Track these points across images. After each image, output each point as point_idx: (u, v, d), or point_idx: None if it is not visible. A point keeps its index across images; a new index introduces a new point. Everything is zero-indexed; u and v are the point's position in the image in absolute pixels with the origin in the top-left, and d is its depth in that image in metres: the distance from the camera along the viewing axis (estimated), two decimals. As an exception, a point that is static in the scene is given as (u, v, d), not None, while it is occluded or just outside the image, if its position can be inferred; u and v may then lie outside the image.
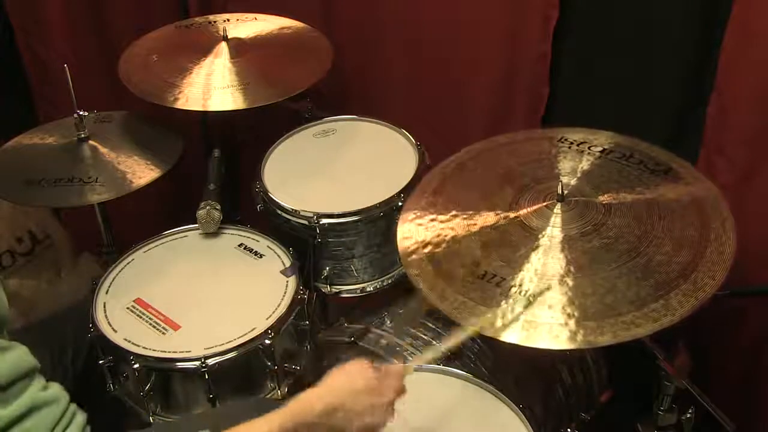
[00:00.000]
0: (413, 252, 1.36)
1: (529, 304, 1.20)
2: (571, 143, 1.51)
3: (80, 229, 2.34)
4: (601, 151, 1.47)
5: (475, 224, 1.36)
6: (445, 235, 1.36)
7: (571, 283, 1.21)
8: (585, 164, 1.44)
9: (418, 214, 1.42)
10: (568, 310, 1.18)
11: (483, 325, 1.21)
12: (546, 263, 1.25)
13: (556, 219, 1.32)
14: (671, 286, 1.17)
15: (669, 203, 1.32)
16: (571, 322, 1.16)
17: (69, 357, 1.72)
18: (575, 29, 1.83)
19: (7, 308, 1.11)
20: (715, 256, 1.21)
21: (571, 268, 1.23)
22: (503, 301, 1.21)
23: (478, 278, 1.26)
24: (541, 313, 1.19)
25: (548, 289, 1.21)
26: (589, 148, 1.48)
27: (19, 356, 1.06)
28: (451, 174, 1.53)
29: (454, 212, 1.41)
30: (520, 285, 1.23)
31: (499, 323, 1.20)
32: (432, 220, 1.40)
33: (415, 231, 1.39)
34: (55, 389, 1.09)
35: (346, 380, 1.18)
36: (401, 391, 1.20)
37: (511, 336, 1.17)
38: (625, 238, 1.27)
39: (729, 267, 1.19)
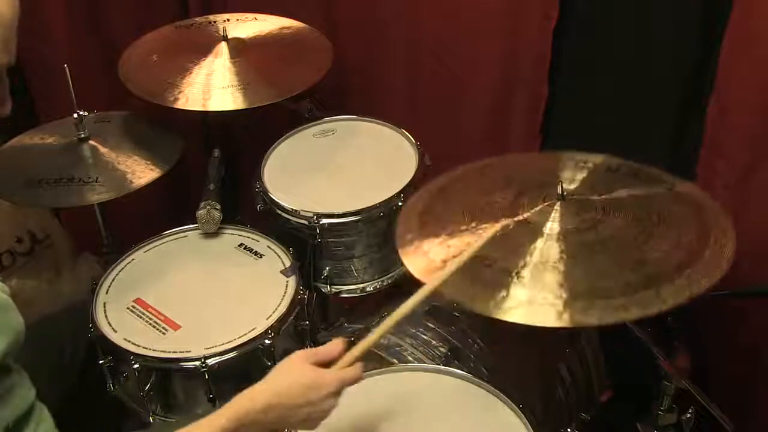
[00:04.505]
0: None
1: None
2: (578, 161, 1.47)
3: (80, 229, 2.34)
4: (606, 168, 1.45)
5: (475, 225, 1.36)
6: (444, 239, 1.35)
7: (562, 268, 1.22)
8: (588, 175, 1.43)
9: (416, 244, 1.38)
10: (557, 292, 1.18)
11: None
12: (542, 251, 1.26)
13: (555, 216, 1.32)
14: (664, 279, 1.17)
15: (670, 208, 1.31)
16: (559, 302, 1.16)
17: (69, 357, 1.72)
18: (575, 29, 1.84)
19: (23, 331, 1.11)
20: (713, 258, 1.19)
21: (565, 256, 1.24)
22: (496, 281, 1.21)
23: (471, 259, 1.25)
24: (533, 292, 1.19)
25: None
26: (594, 165, 1.46)
27: (19, 401, 1.07)
28: (454, 182, 1.51)
29: (454, 216, 1.39)
30: (514, 267, 1.23)
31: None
32: (427, 244, 1.37)
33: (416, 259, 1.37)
34: (43, 426, 1.10)
35: (286, 375, 1.19)
36: (343, 381, 1.20)
37: (499, 314, 1.17)
38: (621, 237, 1.26)
39: (725, 269, 1.18)
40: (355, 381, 1.21)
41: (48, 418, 1.14)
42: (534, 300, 1.18)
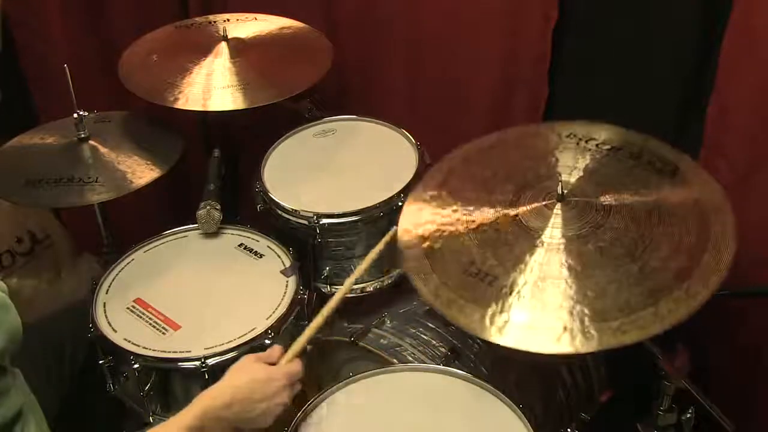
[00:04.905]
0: (412, 246, 1.36)
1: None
2: (580, 139, 1.48)
3: (80, 229, 2.34)
4: (609, 149, 1.45)
5: (474, 221, 1.36)
6: (444, 231, 1.36)
7: (562, 286, 1.21)
8: (590, 162, 1.43)
9: (421, 206, 1.42)
10: (557, 314, 1.17)
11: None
12: (541, 265, 1.25)
13: (555, 220, 1.32)
14: (662, 293, 1.16)
15: (670, 207, 1.31)
16: (559, 326, 1.16)
17: (68, 357, 1.72)
18: (575, 29, 1.83)
19: (20, 332, 1.11)
20: (712, 264, 1.19)
21: (564, 271, 1.23)
22: (493, 301, 1.21)
23: (471, 276, 1.26)
24: (532, 315, 1.19)
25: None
26: (596, 145, 1.46)
27: (12, 402, 1.07)
28: (457, 167, 1.51)
29: (454, 207, 1.40)
30: (512, 285, 1.23)
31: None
32: (434, 213, 1.40)
33: (415, 221, 1.39)
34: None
35: (242, 374, 1.31)
36: (290, 374, 1.33)
37: (496, 337, 1.18)
38: (622, 241, 1.26)
39: (723, 276, 1.18)
40: (298, 373, 1.34)
41: (37, 420, 1.14)
42: (534, 324, 1.18)
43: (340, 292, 1.45)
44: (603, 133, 1.47)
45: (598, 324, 1.15)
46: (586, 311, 1.16)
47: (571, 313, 1.17)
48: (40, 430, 1.17)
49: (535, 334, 1.16)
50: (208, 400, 1.27)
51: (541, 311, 1.18)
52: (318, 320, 1.40)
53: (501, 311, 1.20)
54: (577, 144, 1.46)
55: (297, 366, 1.34)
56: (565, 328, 1.15)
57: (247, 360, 1.34)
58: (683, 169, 1.39)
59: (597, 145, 1.46)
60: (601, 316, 1.15)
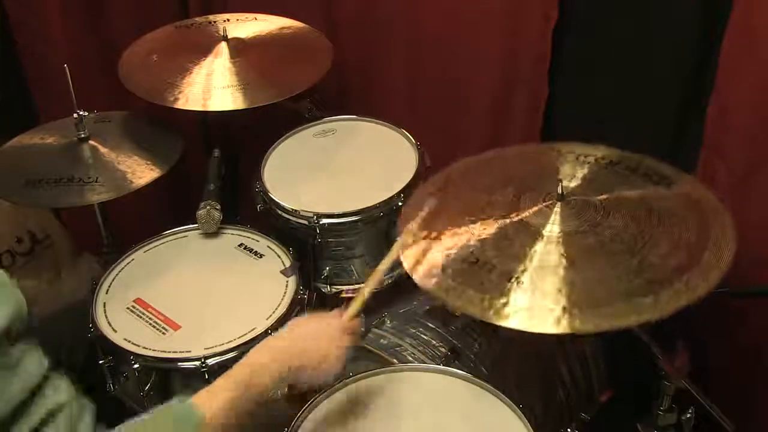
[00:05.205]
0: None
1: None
2: (579, 155, 1.49)
3: (80, 229, 2.34)
4: (607, 163, 1.46)
5: (474, 220, 1.36)
6: (443, 232, 1.36)
7: (562, 273, 1.22)
8: (589, 173, 1.44)
9: (417, 234, 1.40)
10: (556, 298, 1.18)
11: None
12: (540, 255, 1.26)
13: (555, 218, 1.32)
14: (662, 286, 1.17)
15: (670, 208, 1.32)
16: (557, 308, 1.16)
17: (68, 357, 1.72)
18: (575, 29, 1.84)
19: (25, 308, 1.11)
20: (712, 261, 1.19)
21: (563, 260, 1.24)
22: (492, 286, 1.22)
23: (470, 265, 1.26)
24: (531, 299, 1.19)
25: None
26: (594, 160, 1.47)
27: (29, 374, 1.06)
28: (456, 175, 1.52)
29: (454, 208, 1.40)
30: (511, 272, 1.23)
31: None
32: (433, 215, 1.40)
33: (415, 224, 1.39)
34: (62, 393, 1.10)
35: (301, 321, 1.31)
36: (351, 321, 1.30)
37: (495, 320, 1.18)
38: (622, 238, 1.26)
39: (723, 272, 1.18)
40: (359, 327, 1.32)
41: (67, 384, 1.13)
42: (533, 306, 1.18)
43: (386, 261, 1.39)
44: (600, 153, 1.48)
45: (596, 308, 1.15)
46: (585, 296, 1.17)
47: (570, 297, 1.17)
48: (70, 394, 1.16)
49: (533, 315, 1.17)
50: (261, 345, 1.24)
51: (540, 295, 1.19)
52: (376, 276, 1.37)
53: (500, 295, 1.20)
54: (576, 158, 1.47)
55: (357, 321, 1.32)
56: (564, 310, 1.16)
57: (307, 318, 1.34)
58: (681, 183, 1.39)
59: (595, 159, 1.46)
60: (599, 301, 1.16)
